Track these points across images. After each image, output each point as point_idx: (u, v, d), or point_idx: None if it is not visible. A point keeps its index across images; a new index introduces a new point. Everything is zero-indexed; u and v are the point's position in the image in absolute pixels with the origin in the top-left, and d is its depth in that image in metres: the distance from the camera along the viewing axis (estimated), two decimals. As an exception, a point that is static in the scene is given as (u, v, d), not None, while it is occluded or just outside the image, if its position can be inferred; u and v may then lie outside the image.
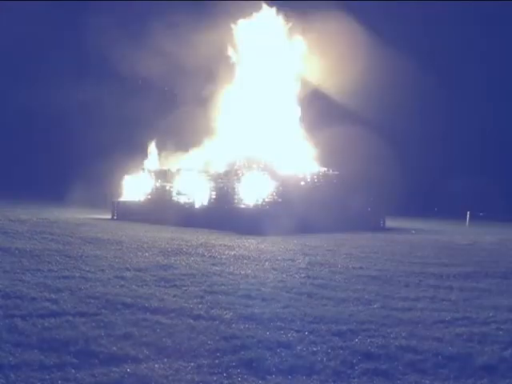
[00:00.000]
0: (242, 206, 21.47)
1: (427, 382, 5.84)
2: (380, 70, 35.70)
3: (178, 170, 23.82)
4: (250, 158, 23.13)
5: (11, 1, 34.05)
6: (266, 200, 21.52)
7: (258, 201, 21.46)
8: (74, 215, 22.37)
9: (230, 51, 25.33)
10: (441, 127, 41.70)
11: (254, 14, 25.60)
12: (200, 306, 8.21)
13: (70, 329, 6.80)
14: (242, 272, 11.15)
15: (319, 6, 36.17)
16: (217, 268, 11.45)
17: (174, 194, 23.30)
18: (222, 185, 22.40)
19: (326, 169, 24.21)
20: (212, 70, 26.23)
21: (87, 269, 10.57)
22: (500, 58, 41.98)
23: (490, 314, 8.56)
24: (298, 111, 25.76)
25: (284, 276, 11.13)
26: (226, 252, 13.77)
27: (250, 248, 14.83)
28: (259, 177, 22.04)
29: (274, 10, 25.62)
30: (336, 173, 24.32)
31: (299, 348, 6.58)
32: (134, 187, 24.89)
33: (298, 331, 7.19)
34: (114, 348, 6.24)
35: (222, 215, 21.39)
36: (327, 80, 34.20)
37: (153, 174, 24.63)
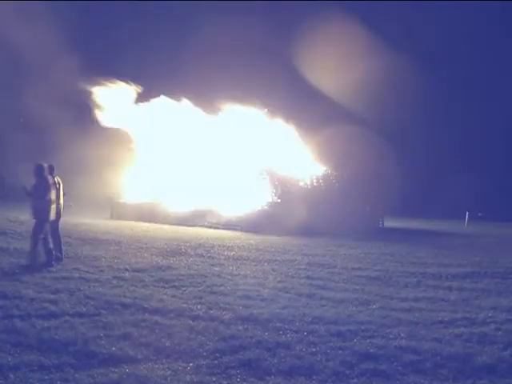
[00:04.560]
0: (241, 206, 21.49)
1: (426, 382, 5.84)
2: (379, 70, 35.74)
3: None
4: (249, 159, 23.14)
5: (11, 0, 33.99)
6: (266, 201, 21.54)
7: (257, 201, 21.48)
8: (72, 215, 22.35)
9: None
10: (440, 127, 41.76)
11: None
12: (199, 306, 8.21)
13: (68, 329, 6.80)
14: (241, 273, 11.15)
15: (319, 6, 36.25)
16: (216, 269, 11.44)
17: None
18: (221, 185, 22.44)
19: (325, 169, 24.20)
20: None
21: (86, 269, 10.56)
22: (500, 57, 42.03)
23: (489, 315, 8.57)
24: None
25: (283, 277, 11.13)
26: (225, 253, 13.77)
27: (249, 249, 14.83)
28: (258, 178, 22.09)
29: None
30: (335, 173, 24.33)
31: (298, 348, 6.58)
32: (133, 187, 24.91)
33: (296, 332, 7.19)
34: (113, 348, 6.24)
35: (221, 215, 21.42)
36: (327, 80, 34.27)
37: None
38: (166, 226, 19.94)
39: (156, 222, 21.12)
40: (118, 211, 24.32)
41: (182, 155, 24.29)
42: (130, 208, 24.05)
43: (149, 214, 22.34)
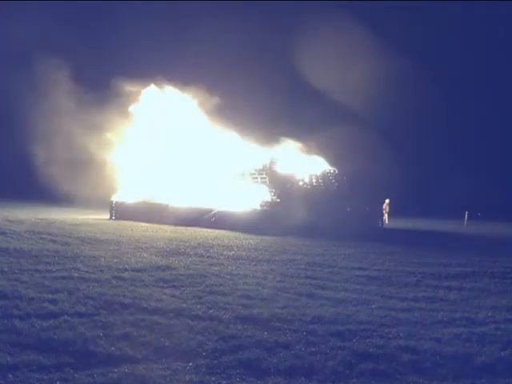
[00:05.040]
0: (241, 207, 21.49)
1: (426, 382, 5.84)
2: (379, 70, 35.77)
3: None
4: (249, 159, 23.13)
5: (11, 0, 33.98)
6: (265, 201, 21.53)
7: (256, 201, 21.49)
8: (72, 215, 22.38)
9: None
10: (440, 127, 41.79)
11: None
12: (198, 306, 8.21)
13: (68, 329, 6.80)
14: (241, 272, 11.14)
15: (319, 6, 36.25)
16: (215, 268, 11.44)
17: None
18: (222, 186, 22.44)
19: (325, 168, 24.17)
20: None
21: (85, 269, 10.56)
22: (499, 57, 42.07)
23: (489, 314, 8.57)
24: None
25: (282, 276, 11.12)
26: (225, 252, 13.77)
27: (248, 248, 14.83)
28: (258, 178, 22.09)
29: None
30: (334, 173, 24.31)
31: (298, 348, 6.58)
32: (132, 187, 24.93)
33: (296, 331, 7.19)
34: (113, 348, 6.24)
35: (222, 216, 21.42)
36: (327, 80, 34.27)
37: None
38: (165, 226, 19.94)
39: (155, 222, 21.12)
40: (117, 211, 24.32)
41: (181, 155, 24.29)
42: (130, 208, 24.06)
43: (148, 214, 22.34)
